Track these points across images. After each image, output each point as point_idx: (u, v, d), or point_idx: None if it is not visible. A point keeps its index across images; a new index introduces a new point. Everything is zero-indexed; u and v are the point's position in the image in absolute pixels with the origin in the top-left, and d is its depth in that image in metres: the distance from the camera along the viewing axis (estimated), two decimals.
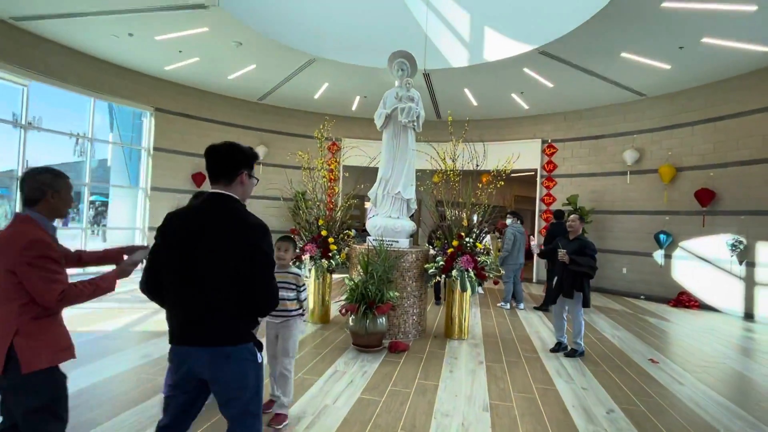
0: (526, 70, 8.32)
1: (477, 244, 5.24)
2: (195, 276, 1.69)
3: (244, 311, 1.74)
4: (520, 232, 7.60)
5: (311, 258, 5.51)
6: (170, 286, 1.75)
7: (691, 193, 8.56)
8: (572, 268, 4.61)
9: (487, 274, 5.15)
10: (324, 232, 5.60)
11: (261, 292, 1.73)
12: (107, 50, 8.36)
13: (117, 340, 4.74)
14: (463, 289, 5.04)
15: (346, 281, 4.72)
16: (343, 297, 4.73)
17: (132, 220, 10.22)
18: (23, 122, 7.66)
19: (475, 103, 10.18)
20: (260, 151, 11.31)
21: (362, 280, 4.64)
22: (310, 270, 5.51)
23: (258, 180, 1.97)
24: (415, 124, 5.48)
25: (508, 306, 7.55)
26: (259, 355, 1.80)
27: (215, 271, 1.68)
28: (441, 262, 5.17)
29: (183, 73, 9.47)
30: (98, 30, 7.48)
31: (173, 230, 1.76)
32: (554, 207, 10.69)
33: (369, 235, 5.53)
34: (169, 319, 1.78)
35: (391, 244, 5.35)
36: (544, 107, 10.70)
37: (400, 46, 5.77)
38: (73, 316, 5.23)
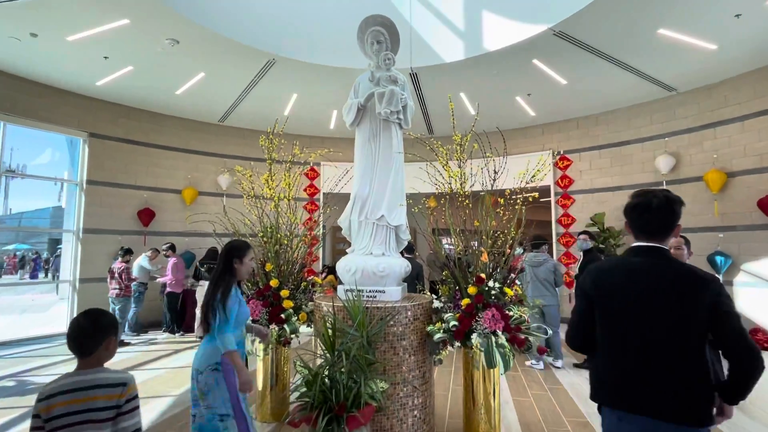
0: (536, 62, 6.75)
1: (506, 289, 3.40)
2: (653, 336, 1.62)
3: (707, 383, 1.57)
4: (536, 262, 5.79)
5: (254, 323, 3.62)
6: (617, 344, 1.70)
7: (751, 202, 6.87)
8: None
9: (527, 339, 3.28)
10: (274, 282, 3.74)
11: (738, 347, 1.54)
12: (14, 60, 6.68)
13: None
14: (490, 366, 3.16)
15: (297, 368, 2.81)
16: (293, 395, 2.81)
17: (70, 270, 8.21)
18: None
19: (472, 112, 8.58)
20: (223, 180, 9.56)
21: (325, 366, 2.76)
22: (252, 342, 3.61)
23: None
24: (401, 116, 3.75)
25: (541, 364, 5.63)
26: None
27: (680, 332, 1.59)
28: (453, 322, 3.31)
29: (121, 89, 7.81)
30: None
31: (618, 286, 1.75)
32: (575, 229, 8.94)
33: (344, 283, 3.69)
34: (612, 378, 1.70)
35: (374, 296, 3.50)
36: (554, 113, 9.12)
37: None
38: None
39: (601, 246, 7.97)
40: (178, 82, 7.48)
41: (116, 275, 7.09)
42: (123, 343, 7.08)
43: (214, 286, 2.53)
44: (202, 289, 7.39)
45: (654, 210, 1.76)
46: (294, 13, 6.45)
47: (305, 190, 10.47)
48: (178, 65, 6.89)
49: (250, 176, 4.13)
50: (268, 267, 3.82)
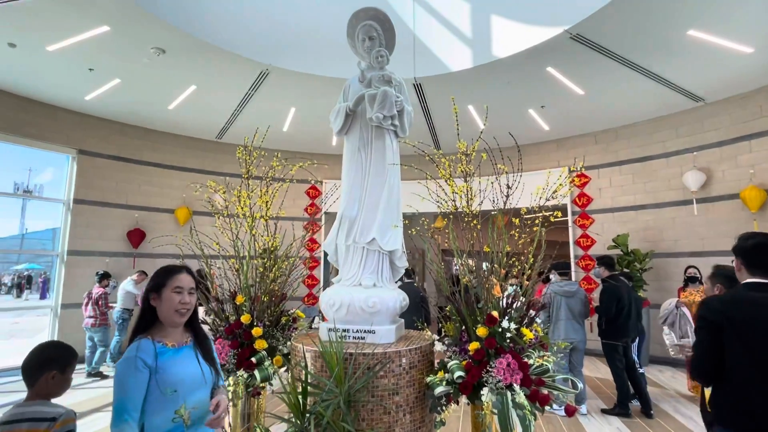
0: (550, 69, 6.20)
1: (524, 330, 2.74)
2: None
3: None
4: (569, 293, 5.05)
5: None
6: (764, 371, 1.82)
7: None
8: None
9: (552, 395, 2.61)
10: (246, 318, 3.13)
11: None
12: None
13: None
14: (505, 430, 2.49)
15: None
16: None
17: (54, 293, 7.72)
18: None
19: (481, 126, 8.02)
20: (221, 199, 9.07)
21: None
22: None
23: None
24: (397, 122, 3.19)
25: (563, 411, 4.86)
26: None
27: None
28: (458, 372, 2.65)
29: (111, 104, 7.45)
30: None
31: (752, 317, 1.88)
32: (596, 251, 8.22)
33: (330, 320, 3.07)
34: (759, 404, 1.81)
35: (362, 338, 2.87)
36: (570, 126, 8.53)
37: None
38: None
39: (626, 270, 7.23)
40: (170, 95, 7.10)
41: (92, 302, 6.55)
42: (102, 376, 6.50)
43: (128, 340, 1.77)
44: None
45: None
46: (287, 20, 6.04)
47: (306, 209, 9.95)
48: (166, 77, 6.50)
49: (224, 192, 3.58)
50: (240, 299, 3.22)
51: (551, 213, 3.05)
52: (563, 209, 8.97)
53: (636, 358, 5.14)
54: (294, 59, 6.29)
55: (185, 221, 8.86)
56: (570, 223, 8.88)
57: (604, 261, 5.19)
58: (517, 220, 3.05)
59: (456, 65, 6.26)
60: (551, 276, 5.31)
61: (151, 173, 8.73)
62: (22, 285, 20.81)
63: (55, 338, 7.45)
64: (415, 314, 4.74)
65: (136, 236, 8.22)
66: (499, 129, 8.08)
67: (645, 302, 7.04)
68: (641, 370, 5.08)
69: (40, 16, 4.99)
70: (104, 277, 6.85)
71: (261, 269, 3.34)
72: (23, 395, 1.81)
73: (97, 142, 8.05)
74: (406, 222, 3.32)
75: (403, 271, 3.32)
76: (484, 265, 3.04)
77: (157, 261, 8.13)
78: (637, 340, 5.21)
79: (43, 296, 19.22)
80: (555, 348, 3.03)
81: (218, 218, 3.53)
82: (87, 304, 6.65)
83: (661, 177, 7.86)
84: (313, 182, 9.94)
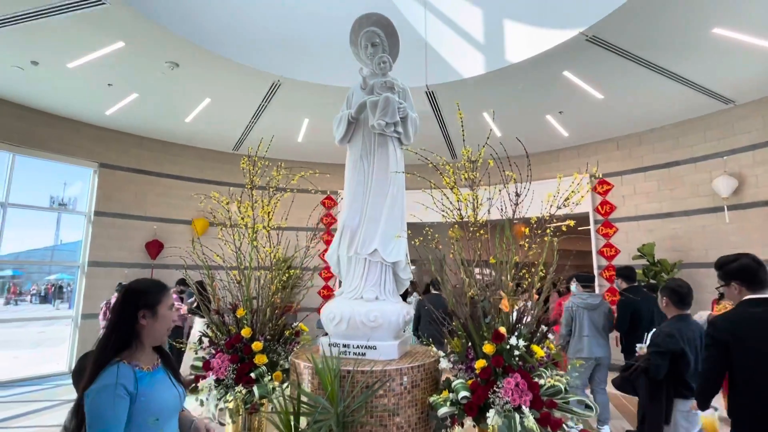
0: (566, 74, 6.01)
1: (534, 347, 2.57)
2: None
3: None
4: (591, 306, 4.76)
5: (218, 383, 2.93)
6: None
7: None
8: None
9: (565, 420, 2.41)
10: (246, 332, 3.06)
11: None
12: (20, 90, 6.60)
13: None
14: None
15: None
16: None
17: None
18: None
19: (498, 134, 7.85)
20: (226, 209, 9.15)
21: None
22: (217, 406, 2.91)
23: None
24: (400, 129, 3.09)
25: (580, 427, 4.58)
26: None
27: None
28: (463, 392, 2.49)
29: (130, 118, 7.64)
30: None
31: (762, 332, 2.11)
32: (620, 261, 7.87)
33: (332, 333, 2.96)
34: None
35: (363, 354, 2.75)
36: (590, 132, 8.25)
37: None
38: None
39: (652, 282, 6.88)
40: (186, 108, 7.22)
41: (110, 310, 6.63)
42: None
43: (93, 363, 1.50)
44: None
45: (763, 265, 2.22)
46: (296, 31, 6.06)
47: (322, 219, 9.93)
48: (181, 90, 6.61)
49: (227, 203, 3.55)
50: (240, 312, 3.16)
51: (563, 222, 2.87)
52: (585, 218, 8.65)
53: None
54: (305, 70, 6.30)
55: (203, 232, 8.95)
56: (592, 232, 8.54)
57: (623, 273, 4.91)
58: (527, 230, 2.88)
59: (468, 72, 6.14)
60: (572, 287, 5.05)
61: (170, 185, 8.88)
62: (51, 294, 21.54)
63: (76, 348, 7.60)
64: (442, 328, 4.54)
65: (154, 247, 8.35)
66: (517, 136, 7.90)
67: None
68: None
69: (59, 34, 5.15)
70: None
71: (263, 281, 3.27)
72: (49, 403, 1.76)
73: (117, 155, 8.25)
74: (409, 232, 3.19)
75: (408, 284, 3.20)
76: (492, 276, 2.88)
77: (174, 273, 8.22)
78: None
79: (71, 306, 19.83)
80: (571, 366, 2.83)
81: (221, 229, 3.49)
82: (105, 312, 6.74)
83: (688, 183, 7.48)
84: (328, 192, 9.93)
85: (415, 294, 8.40)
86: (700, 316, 4.95)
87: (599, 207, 8.46)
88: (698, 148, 7.40)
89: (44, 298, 22.37)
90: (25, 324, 14.33)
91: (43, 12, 4.70)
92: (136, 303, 1.58)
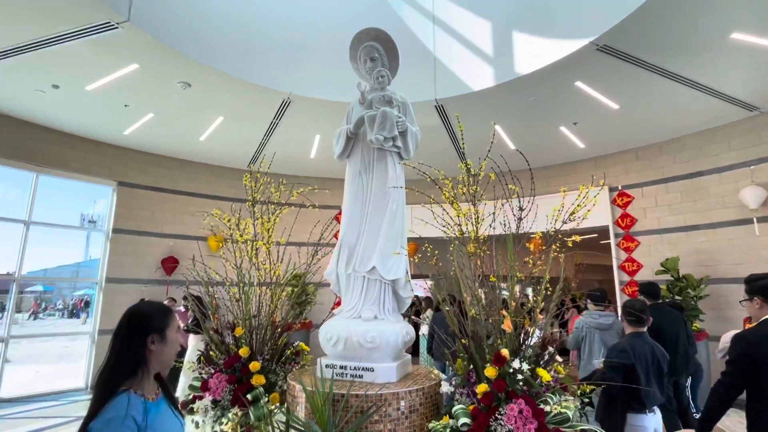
0: (579, 84, 5.87)
1: (540, 371, 2.42)
2: None
3: None
4: (603, 325, 4.47)
5: (215, 404, 2.87)
6: None
7: None
8: None
9: None
10: (244, 351, 3.00)
11: None
12: (43, 112, 6.86)
13: None
14: None
15: None
16: None
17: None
18: None
19: (511, 146, 7.71)
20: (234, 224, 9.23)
21: None
22: (213, 429, 2.84)
23: None
24: (399, 143, 3.03)
25: None
26: None
27: None
28: (464, 419, 2.36)
29: (147, 137, 7.85)
30: (15, 85, 5.97)
31: None
32: (643, 276, 7.55)
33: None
34: None
35: (360, 376, 2.64)
36: (607, 143, 8.03)
37: (398, 72, 3.43)
38: None
39: (677, 298, 6.55)
40: (200, 127, 7.37)
41: None
42: None
43: (99, 392, 1.40)
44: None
45: None
46: (304, 48, 6.13)
47: (336, 235, 9.90)
48: (195, 110, 6.75)
49: (228, 220, 3.54)
50: (239, 331, 3.10)
51: (570, 238, 2.72)
52: (605, 231, 8.37)
53: (691, 400, 4.52)
54: (315, 87, 6.34)
55: (218, 248, 9.03)
56: (613, 246, 8.24)
57: (646, 289, 4.65)
58: (532, 245, 2.76)
59: (477, 84, 6.07)
60: (589, 305, 4.82)
61: (186, 202, 9.03)
62: (79, 308, 22.13)
63: (93, 364, 7.70)
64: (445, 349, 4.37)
65: (170, 264, 8.46)
66: (531, 148, 7.77)
67: (701, 334, 6.29)
68: (697, 415, 4.44)
69: (78, 58, 5.33)
70: None
71: (262, 298, 3.22)
72: (63, 419, 1.68)
73: (135, 173, 8.46)
74: (429, 246, 3.08)
75: (409, 302, 3.09)
76: (497, 293, 2.75)
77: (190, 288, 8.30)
78: (690, 379, 4.59)
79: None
80: (580, 391, 2.66)
81: (221, 246, 3.47)
82: None
83: (713, 194, 7.15)
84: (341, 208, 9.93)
85: (429, 311, 8.24)
86: (729, 334, 4.65)
87: (619, 220, 8.17)
88: (723, 157, 7.09)
89: (72, 313, 22.98)
90: (50, 339, 14.69)
91: (62, 38, 4.88)
92: (144, 327, 1.49)
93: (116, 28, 4.73)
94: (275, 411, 2.89)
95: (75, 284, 22.21)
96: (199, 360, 3.22)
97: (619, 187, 8.24)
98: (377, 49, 3.25)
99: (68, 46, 5.05)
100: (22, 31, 4.82)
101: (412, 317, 9.31)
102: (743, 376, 2.28)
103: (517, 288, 2.67)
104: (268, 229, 3.40)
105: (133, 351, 1.45)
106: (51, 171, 7.48)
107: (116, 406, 1.34)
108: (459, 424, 2.36)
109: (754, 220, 6.54)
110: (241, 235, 3.35)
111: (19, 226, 7.11)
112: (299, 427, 2.15)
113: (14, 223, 7.09)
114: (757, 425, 2.23)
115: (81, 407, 6.41)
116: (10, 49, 5.11)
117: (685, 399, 4.42)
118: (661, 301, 4.73)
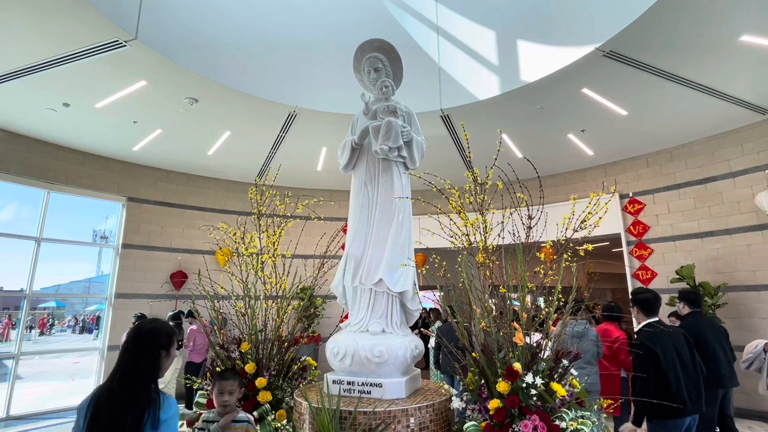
0: (585, 91, 5.82)
1: (554, 386, 2.33)
2: None
3: None
4: (577, 333, 4.27)
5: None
6: None
7: None
8: None
9: None
10: (250, 367, 2.95)
11: None
12: (55, 130, 6.97)
13: None
14: None
15: None
16: None
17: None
18: None
19: (519, 155, 7.65)
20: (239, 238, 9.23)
21: None
22: None
23: None
24: (404, 153, 3.00)
25: None
26: None
27: None
28: None
29: (156, 153, 7.93)
30: (27, 104, 6.08)
31: None
32: (657, 285, 7.37)
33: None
34: None
35: (368, 392, 2.57)
36: (616, 150, 7.93)
37: (403, 83, 3.43)
38: None
39: None
40: (207, 142, 7.43)
41: None
42: None
43: (141, 384, 1.62)
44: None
45: None
46: (310, 61, 6.17)
47: (343, 247, 9.86)
48: (202, 125, 6.81)
49: (234, 234, 3.52)
50: (245, 347, 3.06)
51: (582, 246, 2.65)
52: (617, 239, 8.23)
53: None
54: (321, 99, 6.37)
55: (225, 262, 9.03)
56: (626, 254, 8.08)
57: (687, 296, 4.31)
58: (542, 254, 2.69)
59: (483, 94, 6.04)
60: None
61: (195, 216, 9.07)
62: (92, 323, 22.26)
63: (102, 379, 7.67)
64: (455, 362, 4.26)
65: (178, 278, 8.46)
66: (539, 156, 7.72)
67: None
68: None
69: (87, 76, 5.42)
70: (139, 319, 7.01)
71: (268, 313, 3.17)
72: None
73: (144, 189, 8.53)
74: (436, 257, 3.03)
75: (417, 315, 3.02)
76: (508, 304, 2.67)
77: (198, 302, 8.29)
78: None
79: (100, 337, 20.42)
80: (597, 407, 2.55)
81: (227, 260, 3.44)
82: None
83: (728, 199, 7.00)
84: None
85: (438, 322, 8.13)
86: (756, 344, 4.49)
87: (631, 227, 8.03)
88: (736, 162, 6.95)
89: (83, 329, 23.12)
90: (61, 355, 14.74)
91: (72, 57, 4.97)
92: (160, 342, 1.74)
93: (124, 46, 4.80)
94: (282, 428, 2.82)
95: (87, 300, 22.36)
96: (205, 376, 3.17)
97: (630, 194, 8.12)
98: (381, 60, 3.24)
99: (78, 65, 5.13)
100: (34, 52, 4.92)
101: (421, 329, 9.19)
102: None
103: (528, 299, 2.59)
104: (274, 242, 3.36)
105: (151, 363, 1.70)
106: (62, 188, 7.57)
107: (172, 400, 1.68)
108: None
109: None
110: (246, 249, 3.32)
111: (30, 243, 7.17)
112: None
113: (26, 240, 7.16)
114: None
115: None
116: (23, 70, 5.21)
117: (729, 412, 4.21)
118: (700, 310, 4.48)
